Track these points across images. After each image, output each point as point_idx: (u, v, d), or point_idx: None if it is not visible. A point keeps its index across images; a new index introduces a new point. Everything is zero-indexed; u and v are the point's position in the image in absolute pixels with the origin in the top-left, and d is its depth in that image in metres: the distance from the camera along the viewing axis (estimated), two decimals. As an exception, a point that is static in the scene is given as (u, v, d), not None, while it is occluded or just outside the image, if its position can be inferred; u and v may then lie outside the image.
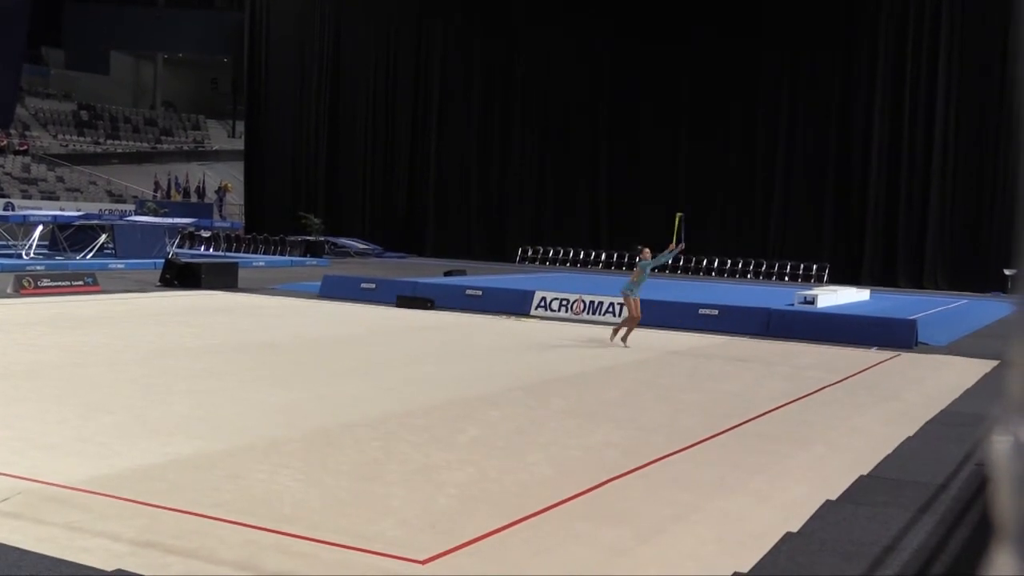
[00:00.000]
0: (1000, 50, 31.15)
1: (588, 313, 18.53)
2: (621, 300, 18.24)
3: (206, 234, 38.15)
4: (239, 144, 55.21)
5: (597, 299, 18.77)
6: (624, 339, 15.05)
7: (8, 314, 15.96)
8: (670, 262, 15.72)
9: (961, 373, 13.21)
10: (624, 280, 15.98)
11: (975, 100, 31.88)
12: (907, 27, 32.96)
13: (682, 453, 7.92)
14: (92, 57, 65.60)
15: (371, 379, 11.17)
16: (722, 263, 35.13)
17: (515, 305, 19.42)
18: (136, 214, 39.41)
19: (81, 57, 65.57)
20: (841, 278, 31.16)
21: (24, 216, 29.94)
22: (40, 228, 28.66)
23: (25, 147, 53.46)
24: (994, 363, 14.11)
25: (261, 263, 32.46)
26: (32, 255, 27.42)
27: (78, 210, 37.95)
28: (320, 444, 7.74)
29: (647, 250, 15.48)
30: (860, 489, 6.77)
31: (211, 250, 37.11)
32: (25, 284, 19.54)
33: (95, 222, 30.07)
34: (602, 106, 38.39)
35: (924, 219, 32.51)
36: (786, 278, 33.38)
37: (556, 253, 38.32)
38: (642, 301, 18.36)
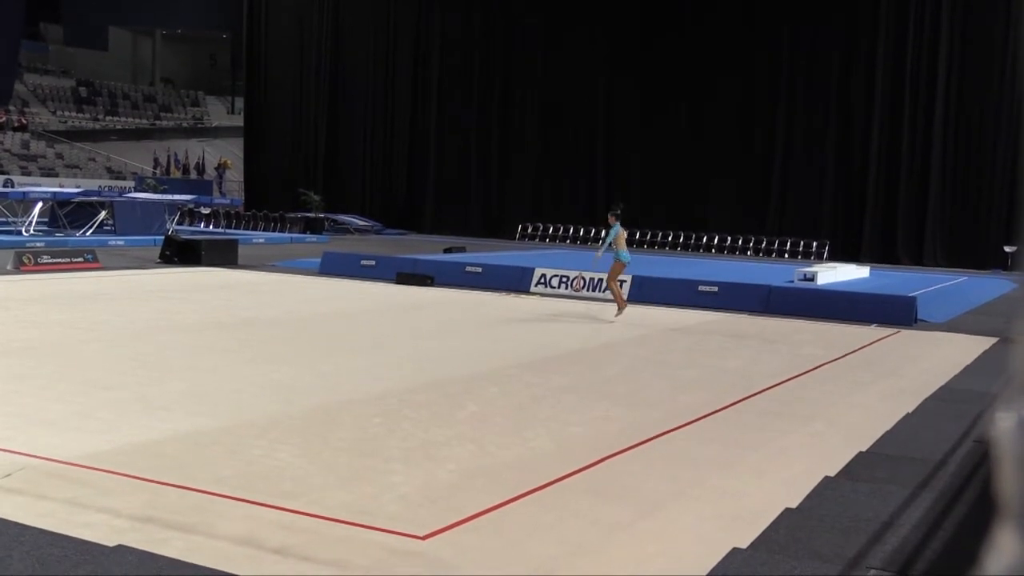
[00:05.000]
0: (1003, 26, 31.04)
1: (588, 290, 18.51)
2: (622, 277, 18.24)
3: (206, 211, 38.08)
4: (238, 120, 55.06)
5: (597, 276, 18.74)
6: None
7: (8, 291, 15.95)
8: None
9: (961, 350, 13.21)
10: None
11: (977, 76, 31.73)
12: (908, 1, 32.73)
13: (682, 429, 7.94)
14: (91, 33, 65.36)
15: (371, 356, 11.18)
16: (722, 240, 35.10)
17: (515, 282, 19.41)
18: (136, 191, 39.32)
19: (80, 33, 65.30)
20: (841, 255, 31.14)
21: (24, 193, 29.86)
22: (40, 205, 28.61)
23: (24, 123, 53.29)
24: (994, 340, 14.13)
25: (261, 240, 32.45)
26: (32, 232, 27.37)
27: (77, 187, 37.84)
28: (320, 420, 7.75)
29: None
30: (859, 465, 6.79)
31: (211, 227, 37.08)
32: (25, 261, 19.54)
33: (95, 199, 29.98)
34: (601, 82, 38.22)
35: (924, 196, 32.42)
36: (786, 255, 33.35)
37: (556, 230, 38.27)
38: (644, 278, 18.47)
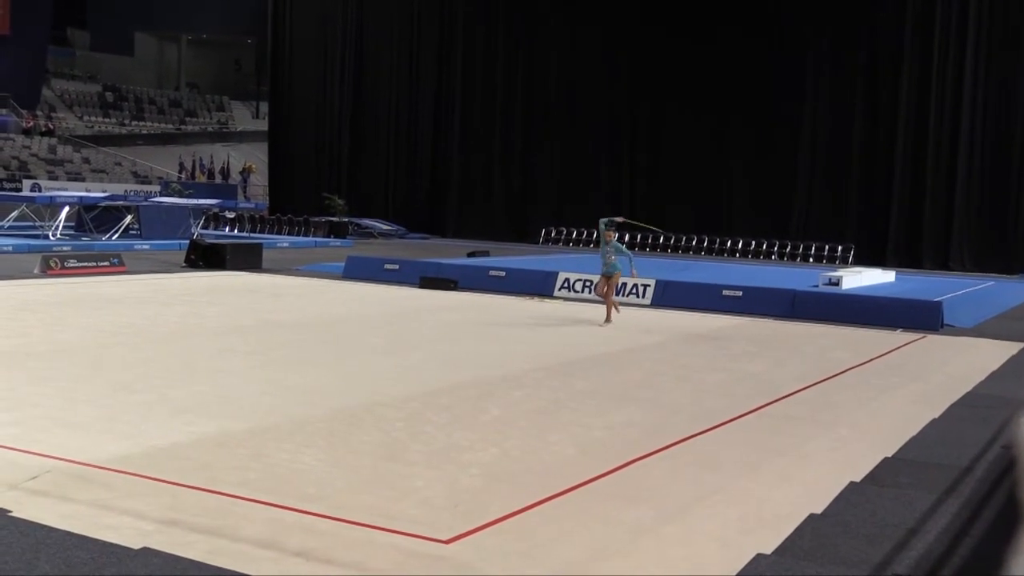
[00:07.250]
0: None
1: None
2: (646, 282, 18.23)
3: (231, 215, 38.30)
4: (263, 125, 55.38)
5: (621, 280, 18.69)
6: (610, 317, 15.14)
7: (35, 294, 16.09)
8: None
9: (987, 355, 13.10)
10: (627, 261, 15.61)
11: (1003, 79, 31.45)
12: (934, 2, 32.46)
13: (705, 434, 7.91)
14: (117, 38, 65.95)
15: (394, 359, 11.20)
16: (746, 244, 34.96)
17: (539, 286, 19.40)
18: (161, 195, 39.58)
19: (106, 38, 65.90)
20: (866, 259, 30.92)
21: (51, 197, 30.11)
22: (66, 209, 28.85)
23: (51, 128, 53.76)
24: (1020, 345, 14.00)
25: (285, 244, 32.60)
26: (59, 236, 27.62)
27: (104, 191, 38.15)
28: (343, 423, 7.77)
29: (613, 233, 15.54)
30: (884, 471, 6.75)
31: (236, 231, 37.28)
32: (52, 265, 19.69)
33: (121, 203, 30.21)
34: (624, 86, 38.12)
35: (950, 200, 32.12)
36: (811, 259, 33.16)
37: (580, 234, 38.18)
38: (668, 282, 18.45)
